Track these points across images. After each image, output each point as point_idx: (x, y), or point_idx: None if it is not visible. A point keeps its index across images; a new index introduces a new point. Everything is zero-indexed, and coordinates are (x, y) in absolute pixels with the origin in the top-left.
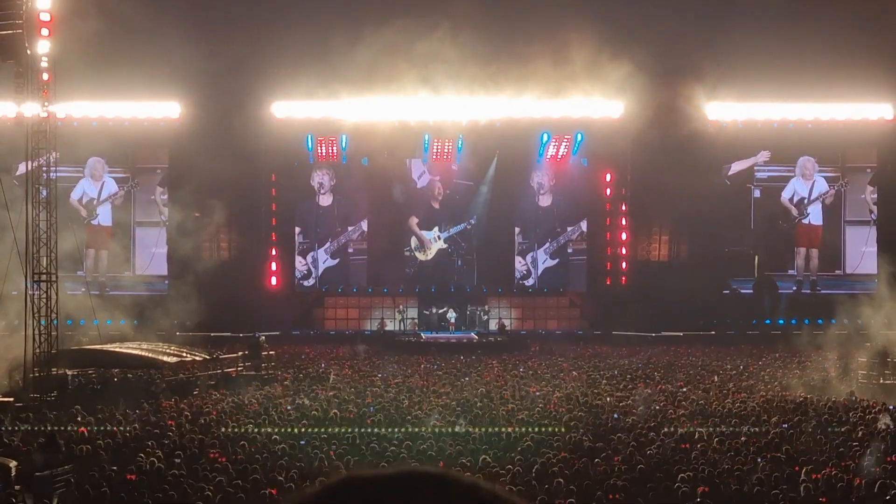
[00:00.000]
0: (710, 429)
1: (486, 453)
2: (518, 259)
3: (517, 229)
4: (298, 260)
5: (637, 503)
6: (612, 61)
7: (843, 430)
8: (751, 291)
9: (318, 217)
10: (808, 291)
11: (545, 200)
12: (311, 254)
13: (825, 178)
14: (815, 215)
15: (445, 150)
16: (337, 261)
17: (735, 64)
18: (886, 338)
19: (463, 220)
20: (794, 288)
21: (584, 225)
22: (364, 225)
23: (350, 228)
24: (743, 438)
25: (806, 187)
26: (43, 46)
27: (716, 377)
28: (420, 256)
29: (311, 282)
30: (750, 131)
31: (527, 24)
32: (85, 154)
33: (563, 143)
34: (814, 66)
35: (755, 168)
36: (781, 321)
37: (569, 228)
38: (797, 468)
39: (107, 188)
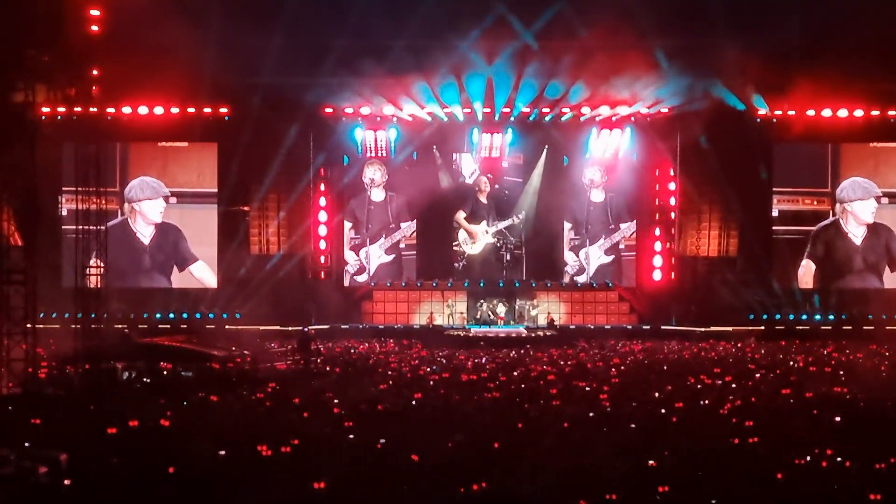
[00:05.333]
0: (759, 424)
1: (535, 448)
2: (570, 255)
3: (568, 225)
4: (351, 256)
5: (685, 499)
6: (661, 57)
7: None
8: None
9: (371, 212)
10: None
11: (598, 196)
12: (364, 249)
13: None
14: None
15: (494, 145)
16: (391, 257)
17: (788, 60)
18: None
19: (510, 215)
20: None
21: (634, 223)
22: (414, 224)
23: (404, 225)
24: (792, 434)
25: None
26: (91, 46)
27: (765, 372)
28: (468, 250)
29: (364, 278)
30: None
31: (577, 17)
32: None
33: (613, 138)
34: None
35: None
36: (832, 316)
37: (623, 226)
38: (847, 463)
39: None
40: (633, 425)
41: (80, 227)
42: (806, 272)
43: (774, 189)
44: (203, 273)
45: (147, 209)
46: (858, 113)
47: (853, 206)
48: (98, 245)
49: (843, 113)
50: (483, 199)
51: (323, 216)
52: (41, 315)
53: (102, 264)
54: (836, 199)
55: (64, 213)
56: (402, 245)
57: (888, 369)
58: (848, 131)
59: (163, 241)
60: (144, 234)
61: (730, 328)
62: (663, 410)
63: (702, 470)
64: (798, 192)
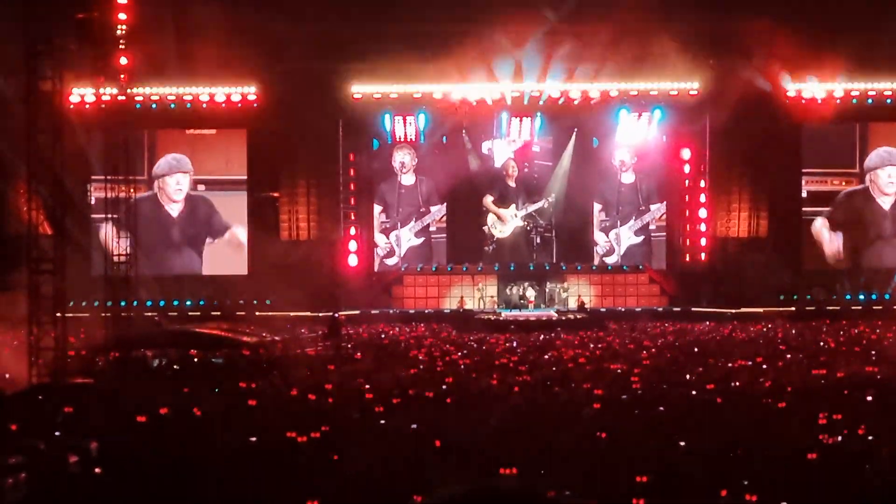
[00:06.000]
0: (791, 405)
1: (566, 431)
2: (601, 235)
3: (598, 206)
4: (381, 238)
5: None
6: (690, 38)
7: None
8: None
9: (401, 196)
10: None
11: (628, 178)
12: (395, 233)
13: None
14: None
15: (523, 129)
16: (421, 240)
17: (817, 39)
18: None
19: (540, 199)
20: None
21: (664, 205)
22: (444, 206)
23: (434, 209)
24: (824, 415)
25: None
26: (121, 29)
27: (796, 353)
28: (497, 234)
29: (395, 260)
30: (832, 105)
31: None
32: (162, 136)
33: (643, 120)
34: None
35: None
36: (862, 296)
37: (652, 207)
38: (878, 445)
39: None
40: (661, 408)
41: (109, 215)
42: (832, 241)
43: (804, 170)
44: (237, 242)
45: (171, 184)
46: (887, 91)
47: (877, 174)
48: (127, 231)
49: (871, 92)
50: (511, 182)
51: (352, 201)
52: (71, 303)
53: (131, 251)
54: (865, 169)
55: (93, 201)
56: (432, 228)
57: None
58: (876, 110)
59: (192, 213)
60: (173, 208)
61: (760, 309)
62: (694, 392)
63: (732, 452)
64: (827, 172)
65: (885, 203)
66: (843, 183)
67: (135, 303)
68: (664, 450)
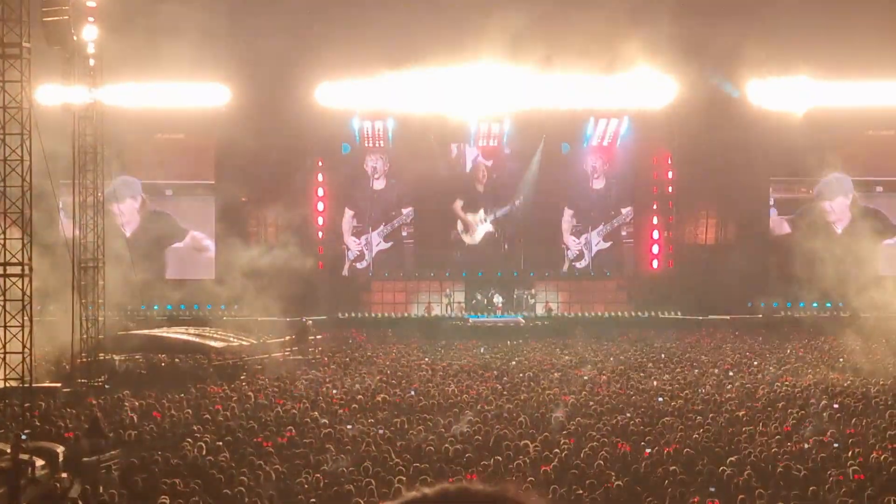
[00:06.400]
0: (758, 412)
1: (533, 438)
2: (572, 239)
3: (570, 212)
4: (353, 240)
5: (685, 487)
6: (659, 46)
7: (888, 413)
8: None
9: (373, 201)
10: None
11: (598, 184)
12: (365, 236)
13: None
14: None
15: (492, 134)
16: (391, 244)
17: (784, 47)
18: None
19: (508, 203)
20: None
21: (632, 208)
22: (412, 209)
23: (405, 212)
24: (790, 422)
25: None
26: (89, 32)
27: (763, 361)
28: (467, 240)
29: (364, 264)
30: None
31: (574, 7)
32: (130, 140)
33: (611, 127)
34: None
35: None
36: (829, 304)
37: (623, 211)
38: (844, 452)
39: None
40: (628, 413)
41: (78, 220)
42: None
43: (771, 178)
44: (200, 246)
45: (121, 208)
46: (854, 99)
47: (829, 205)
48: (95, 235)
49: (837, 100)
50: (480, 188)
51: (321, 206)
52: (38, 308)
53: (101, 257)
54: (816, 196)
55: (61, 204)
56: (403, 233)
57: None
58: (843, 118)
59: (147, 229)
60: (126, 228)
61: (727, 316)
62: (661, 399)
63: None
64: (794, 179)
65: (837, 228)
66: (811, 191)
67: (103, 307)
68: (631, 456)
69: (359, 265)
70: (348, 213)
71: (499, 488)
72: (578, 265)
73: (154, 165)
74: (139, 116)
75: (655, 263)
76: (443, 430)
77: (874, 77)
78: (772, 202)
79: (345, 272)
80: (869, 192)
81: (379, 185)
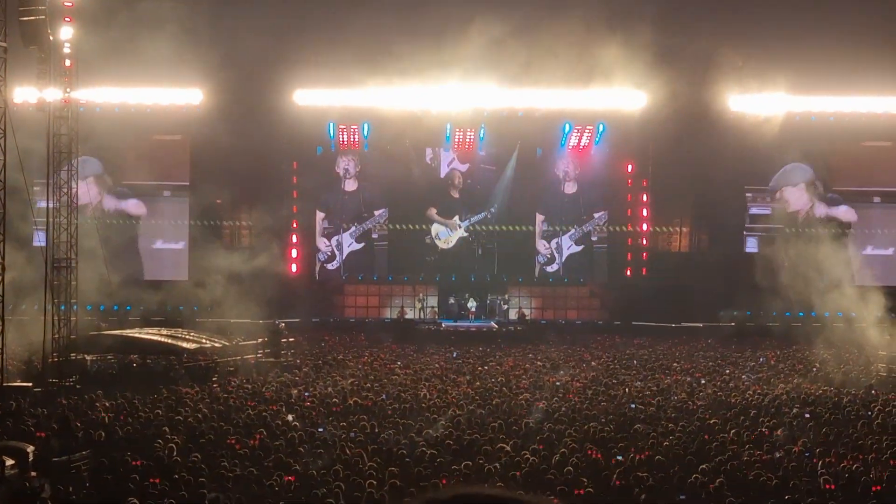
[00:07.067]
0: (730, 420)
1: (505, 443)
2: (542, 243)
3: (541, 217)
4: (323, 242)
5: (656, 494)
6: (634, 53)
7: (860, 423)
8: None
9: (344, 202)
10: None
11: (570, 188)
12: (336, 237)
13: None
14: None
15: (467, 140)
16: (362, 245)
17: (760, 55)
18: None
19: (483, 209)
20: None
21: (606, 214)
22: (386, 212)
23: (377, 213)
24: (761, 431)
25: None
26: (65, 32)
27: (735, 369)
28: (441, 245)
29: (336, 265)
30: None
31: (550, 15)
32: (106, 140)
33: (586, 133)
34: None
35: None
36: (801, 313)
37: (595, 215)
38: (815, 461)
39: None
40: (601, 419)
41: (52, 219)
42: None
43: (746, 187)
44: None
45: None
46: (830, 110)
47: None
48: (69, 235)
49: (814, 111)
50: (455, 193)
51: (294, 209)
52: (10, 306)
53: (74, 256)
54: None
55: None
56: (374, 235)
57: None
58: (819, 128)
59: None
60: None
61: (700, 324)
62: (633, 405)
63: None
64: (770, 188)
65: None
66: (788, 201)
67: (75, 307)
68: (604, 465)
69: (329, 266)
70: (319, 215)
71: (515, 494)
72: (549, 269)
73: (129, 166)
74: (114, 117)
75: (629, 271)
76: (414, 434)
77: (863, 90)
78: (749, 210)
79: (316, 275)
80: (867, 203)
81: (350, 186)
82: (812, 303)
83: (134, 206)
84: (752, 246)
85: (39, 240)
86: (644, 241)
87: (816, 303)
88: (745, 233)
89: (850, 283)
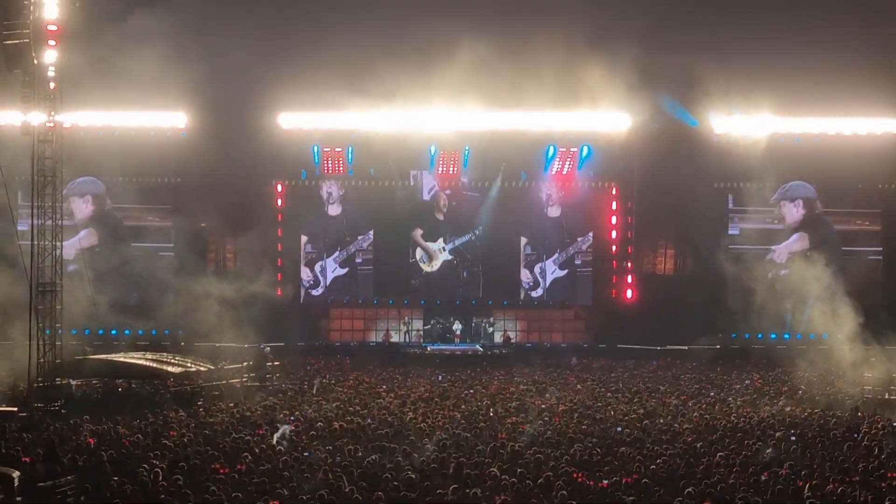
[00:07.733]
0: (716, 443)
1: (492, 466)
2: (525, 272)
3: (524, 240)
4: (305, 271)
5: None
6: (618, 75)
7: (846, 445)
8: None
9: (328, 227)
10: None
11: (554, 212)
12: (319, 263)
13: None
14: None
15: (451, 163)
16: (346, 270)
17: (743, 77)
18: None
19: (467, 232)
20: None
21: (590, 237)
22: (371, 235)
23: (360, 237)
24: (748, 453)
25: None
26: (50, 56)
27: (721, 391)
28: (425, 268)
29: (320, 291)
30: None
31: (534, 38)
32: (90, 164)
33: (570, 157)
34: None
35: None
36: (787, 335)
37: (578, 239)
38: (801, 483)
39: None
40: (588, 442)
41: (36, 242)
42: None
43: (731, 207)
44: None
45: (74, 207)
46: (815, 130)
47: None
48: (53, 260)
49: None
50: (440, 216)
51: (279, 232)
52: None
53: (59, 281)
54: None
55: (20, 227)
56: (358, 259)
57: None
58: (803, 149)
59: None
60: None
61: (685, 347)
62: (619, 429)
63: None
64: (756, 210)
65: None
66: (775, 221)
67: (60, 331)
68: (589, 489)
69: (314, 292)
70: (303, 238)
71: None
72: (534, 294)
73: (112, 187)
74: (99, 141)
75: (614, 293)
76: (400, 458)
77: (849, 112)
78: (737, 231)
79: (301, 300)
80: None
81: (334, 210)
82: (796, 324)
83: (85, 236)
84: (732, 267)
85: (24, 264)
86: (629, 264)
87: (800, 324)
88: (729, 252)
89: (830, 304)
